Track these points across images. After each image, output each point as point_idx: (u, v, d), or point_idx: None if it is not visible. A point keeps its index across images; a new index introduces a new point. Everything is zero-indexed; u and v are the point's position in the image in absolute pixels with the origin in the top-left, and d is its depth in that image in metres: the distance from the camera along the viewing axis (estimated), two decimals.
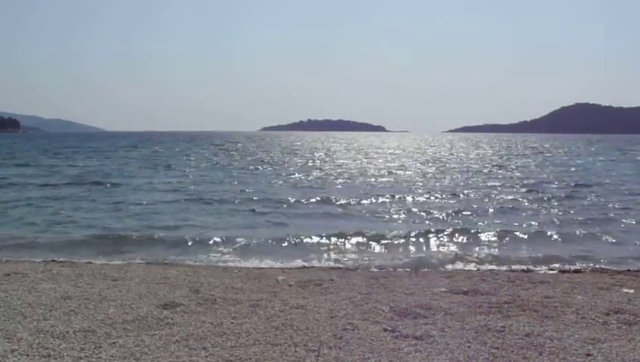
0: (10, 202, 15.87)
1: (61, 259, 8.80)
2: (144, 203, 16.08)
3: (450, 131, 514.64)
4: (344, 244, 10.90)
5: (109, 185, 20.75)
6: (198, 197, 17.44)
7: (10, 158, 38.26)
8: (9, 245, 10.27)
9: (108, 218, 13.49)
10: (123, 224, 12.62)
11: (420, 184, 22.10)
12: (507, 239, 11.15)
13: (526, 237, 11.38)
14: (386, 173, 27.76)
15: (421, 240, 11.44)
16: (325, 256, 10.06)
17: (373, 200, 16.89)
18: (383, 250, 10.57)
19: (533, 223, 12.89)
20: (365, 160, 40.94)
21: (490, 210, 14.96)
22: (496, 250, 10.47)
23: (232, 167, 31.62)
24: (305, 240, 11.08)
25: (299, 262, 9.30)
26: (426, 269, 8.50)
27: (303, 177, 25.04)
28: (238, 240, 10.82)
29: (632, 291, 6.52)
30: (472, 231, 11.78)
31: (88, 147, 60.89)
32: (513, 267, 8.95)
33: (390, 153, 53.75)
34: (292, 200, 16.55)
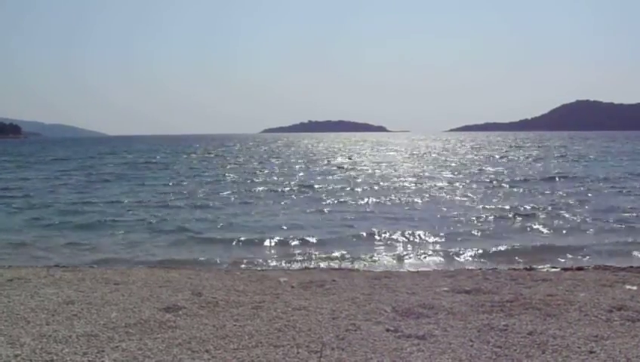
0: None
1: (63, 264, 8.82)
2: None
3: (452, 131, 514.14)
4: (346, 244, 10.90)
5: None
6: None
7: None
8: None
9: None
10: None
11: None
12: None
13: None
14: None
15: (424, 239, 11.44)
16: (327, 256, 10.06)
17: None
18: (385, 249, 10.57)
19: None
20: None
21: None
22: None
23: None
24: (307, 241, 11.08)
25: (301, 264, 9.30)
26: (427, 269, 8.50)
27: None
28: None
29: (635, 288, 6.50)
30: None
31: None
32: (515, 265, 8.94)
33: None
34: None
